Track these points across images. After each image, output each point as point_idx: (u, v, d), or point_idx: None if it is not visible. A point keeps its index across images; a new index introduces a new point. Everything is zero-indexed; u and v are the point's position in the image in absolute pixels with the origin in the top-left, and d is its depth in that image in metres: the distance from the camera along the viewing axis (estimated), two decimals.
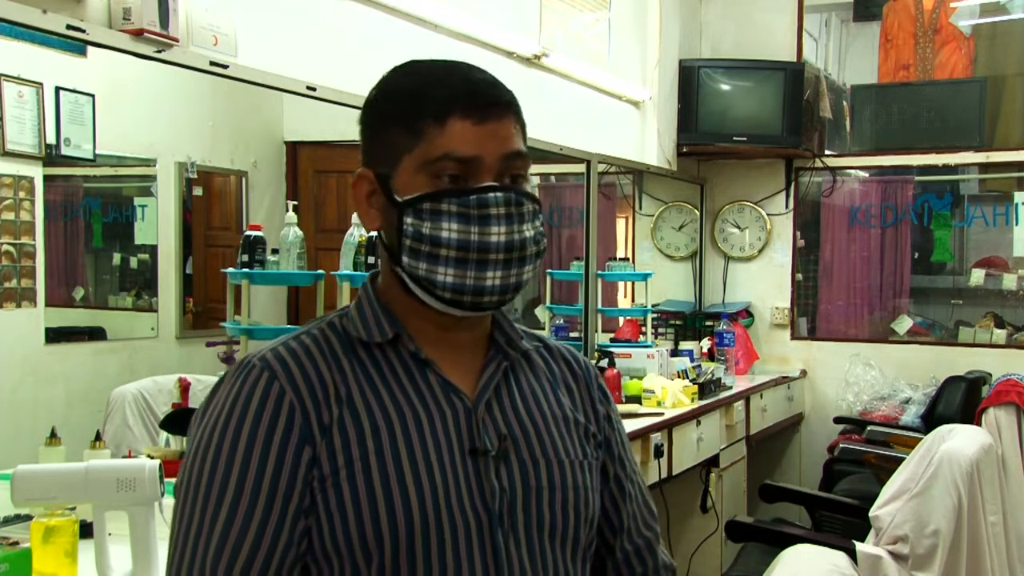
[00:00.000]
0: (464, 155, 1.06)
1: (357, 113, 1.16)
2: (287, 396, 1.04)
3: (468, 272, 1.06)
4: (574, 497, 1.14)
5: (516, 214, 1.07)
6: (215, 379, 1.12)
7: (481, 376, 1.13)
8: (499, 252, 1.06)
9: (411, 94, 1.09)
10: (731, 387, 4.40)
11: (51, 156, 2.49)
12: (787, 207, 5.47)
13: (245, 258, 2.76)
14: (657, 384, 3.78)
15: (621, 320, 4.87)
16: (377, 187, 1.11)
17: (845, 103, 5.87)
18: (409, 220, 1.07)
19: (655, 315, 4.89)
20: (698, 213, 5.50)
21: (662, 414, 3.60)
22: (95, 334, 2.77)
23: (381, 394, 1.08)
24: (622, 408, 3.60)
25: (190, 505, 1.03)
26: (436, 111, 1.06)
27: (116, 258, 2.89)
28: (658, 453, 3.43)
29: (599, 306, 4.41)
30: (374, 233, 1.47)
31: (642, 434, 3.38)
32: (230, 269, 2.79)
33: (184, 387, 2.49)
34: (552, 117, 3.97)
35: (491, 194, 1.06)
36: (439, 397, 1.10)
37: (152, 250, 2.87)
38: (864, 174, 5.57)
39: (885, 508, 2.54)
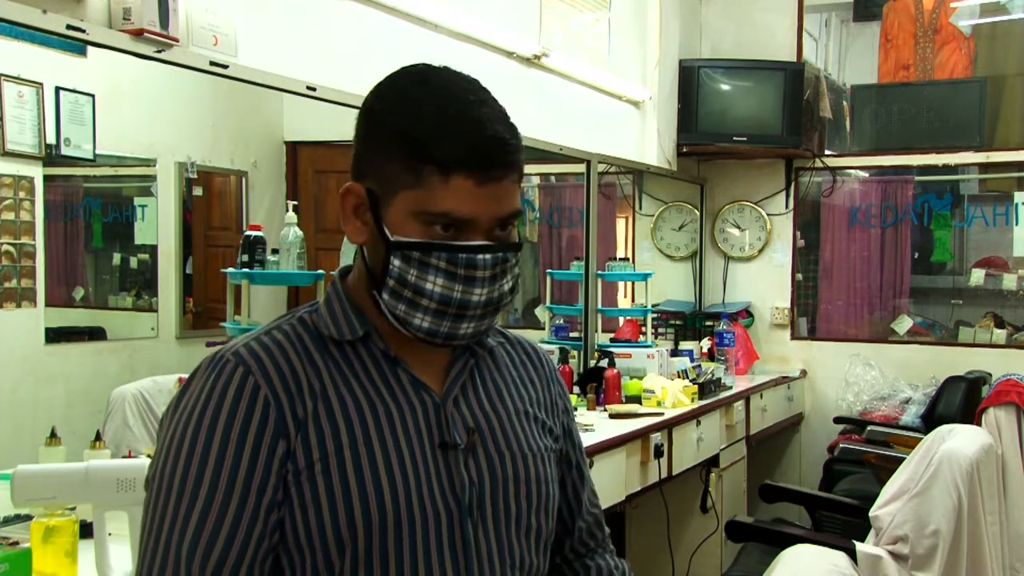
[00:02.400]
0: (463, 216, 1.06)
1: (357, 114, 1.14)
2: (262, 390, 1.06)
3: (444, 323, 1.08)
4: (537, 489, 1.18)
5: (500, 272, 1.09)
6: None
7: (448, 373, 1.17)
8: (478, 308, 1.09)
9: (418, 134, 1.05)
10: (731, 387, 4.40)
11: (51, 156, 2.49)
12: (787, 207, 5.47)
13: (245, 258, 2.77)
14: (657, 384, 3.78)
15: (621, 320, 4.87)
16: (366, 204, 1.10)
17: (845, 103, 5.87)
18: (396, 263, 1.08)
19: (655, 315, 4.89)
20: (698, 213, 5.50)
21: (662, 414, 3.60)
22: (95, 334, 2.77)
23: (354, 389, 1.10)
24: (622, 408, 3.61)
25: (163, 498, 1.04)
26: (442, 163, 1.04)
27: (116, 258, 2.89)
28: (658, 453, 3.43)
29: (599, 306, 4.41)
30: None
31: (642, 434, 3.37)
32: (230, 269, 2.79)
33: None
34: (552, 117, 3.98)
35: (480, 256, 1.07)
36: (409, 393, 1.12)
37: (152, 250, 2.87)
38: (864, 174, 5.57)
39: (885, 508, 2.54)
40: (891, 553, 2.45)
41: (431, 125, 1.05)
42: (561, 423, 1.29)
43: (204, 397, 1.06)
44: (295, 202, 2.93)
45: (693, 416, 3.81)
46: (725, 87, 5.13)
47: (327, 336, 1.13)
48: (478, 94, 1.10)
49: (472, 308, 1.08)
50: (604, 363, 3.84)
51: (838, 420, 5.04)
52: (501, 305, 1.11)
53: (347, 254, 2.91)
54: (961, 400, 4.56)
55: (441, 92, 1.08)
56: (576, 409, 3.45)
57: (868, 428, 4.67)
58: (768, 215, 5.49)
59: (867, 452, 4.37)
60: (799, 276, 5.52)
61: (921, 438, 3.00)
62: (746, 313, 5.46)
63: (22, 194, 2.44)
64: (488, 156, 1.06)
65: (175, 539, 1.02)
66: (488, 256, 1.07)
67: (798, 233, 5.50)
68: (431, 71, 1.12)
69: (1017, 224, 5.14)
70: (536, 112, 3.84)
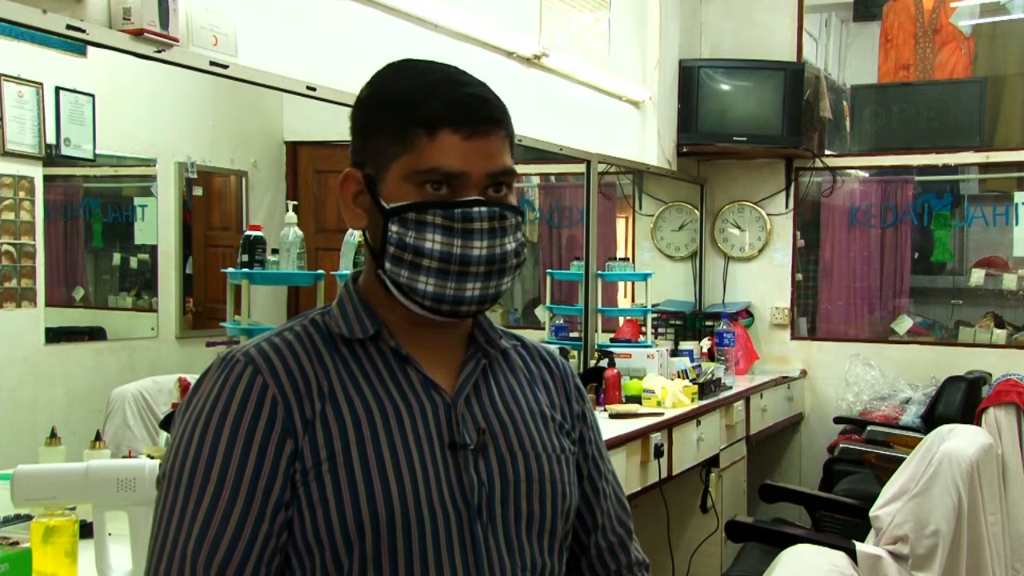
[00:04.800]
0: (452, 170, 1.08)
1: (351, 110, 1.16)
2: (270, 390, 1.06)
3: (448, 283, 1.08)
4: (551, 489, 1.17)
5: (499, 228, 1.09)
6: None
7: (460, 372, 1.16)
8: (480, 265, 1.08)
9: (403, 102, 1.09)
10: (731, 387, 4.40)
11: (51, 156, 2.49)
12: (787, 207, 5.48)
13: (245, 258, 2.77)
14: (657, 384, 3.78)
15: (621, 320, 4.87)
16: (364, 188, 1.12)
17: (845, 103, 5.87)
18: (394, 228, 1.09)
19: (655, 315, 4.89)
20: (698, 213, 5.50)
21: (662, 414, 3.60)
22: (95, 334, 2.76)
23: (363, 389, 1.10)
24: (622, 408, 3.61)
25: (172, 496, 1.05)
26: (427, 122, 1.08)
27: (116, 258, 2.89)
28: (658, 453, 3.43)
29: (599, 306, 4.41)
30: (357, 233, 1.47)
31: (642, 434, 3.37)
32: (230, 269, 2.79)
33: (184, 387, 2.48)
34: (552, 117, 3.98)
35: (476, 209, 1.08)
36: (419, 392, 1.12)
37: (152, 250, 2.87)
38: (864, 174, 5.57)
39: (885, 508, 2.54)
40: (891, 553, 2.45)
41: (413, 93, 1.09)
42: (579, 430, 1.27)
43: (213, 396, 1.07)
44: (295, 202, 2.93)
45: (693, 416, 3.81)
46: (725, 87, 5.13)
47: (338, 335, 1.13)
48: (458, 70, 1.14)
49: (474, 264, 1.08)
50: (604, 363, 3.84)
51: (838, 420, 5.04)
52: (506, 266, 1.11)
53: (347, 255, 2.91)
54: (961, 400, 4.56)
55: (423, 68, 1.13)
56: None
57: (868, 428, 4.66)
58: (768, 215, 5.49)
59: (867, 452, 4.38)
60: (799, 276, 5.52)
61: (921, 438, 3.00)
62: (746, 313, 5.46)
63: (22, 194, 2.44)
64: (471, 110, 1.09)
65: (181, 537, 1.03)
66: (484, 209, 1.08)
67: (798, 233, 5.50)
68: (414, 59, 1.16)
69: (1017, 224, 5.14)
70: (536, 112, 3.84)
